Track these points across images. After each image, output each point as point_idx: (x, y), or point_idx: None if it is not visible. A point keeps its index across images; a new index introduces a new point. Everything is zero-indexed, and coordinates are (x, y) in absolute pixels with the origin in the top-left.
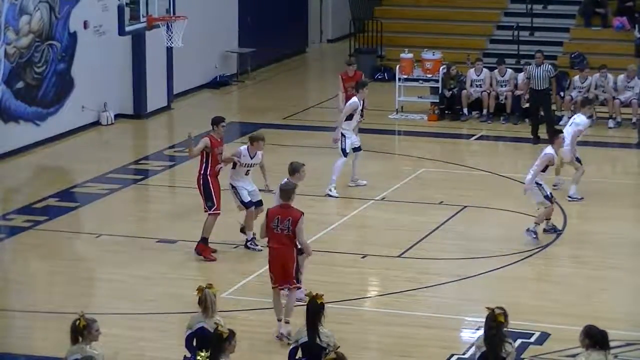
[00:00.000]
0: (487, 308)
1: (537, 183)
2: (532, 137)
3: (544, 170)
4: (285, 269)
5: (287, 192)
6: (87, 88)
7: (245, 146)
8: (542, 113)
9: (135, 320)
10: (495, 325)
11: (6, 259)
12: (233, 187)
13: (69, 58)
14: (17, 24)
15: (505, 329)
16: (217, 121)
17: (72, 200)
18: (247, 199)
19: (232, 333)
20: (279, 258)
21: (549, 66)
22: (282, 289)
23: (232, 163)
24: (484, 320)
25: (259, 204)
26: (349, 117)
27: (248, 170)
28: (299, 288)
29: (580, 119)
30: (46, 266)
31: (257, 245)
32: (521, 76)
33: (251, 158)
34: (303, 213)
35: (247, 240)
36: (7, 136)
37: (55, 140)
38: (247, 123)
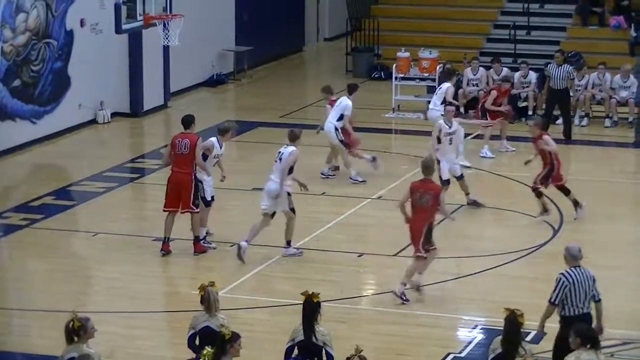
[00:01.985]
0: (506, 309)
1: None
2: None
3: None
4: (414, 236)
5: (427, 167)
6: (83, 86)
7: (215, 138)
8: (555, 113)
9: (131, 318)
10: (515, 327)
11: (3, 257)
12: (199, 181)
13: (66, 56)
14: (13, 22)
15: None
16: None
17: (68, 199)
18: (209, 195)
19: (235, 335)
20: (415, 226)
21: (569, 67)
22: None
23: (202, 155)
24: (480, 318)
25: (213, 199)
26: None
27: (216, 162)
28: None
29: None
30: (43, 264)
31: (210, 244)
32: (516, 76)
33: (220, 148)
34: (441, 187)
35: (199, 238)
36: (4, 134)
37: (52, 139)
38: (243, 121)
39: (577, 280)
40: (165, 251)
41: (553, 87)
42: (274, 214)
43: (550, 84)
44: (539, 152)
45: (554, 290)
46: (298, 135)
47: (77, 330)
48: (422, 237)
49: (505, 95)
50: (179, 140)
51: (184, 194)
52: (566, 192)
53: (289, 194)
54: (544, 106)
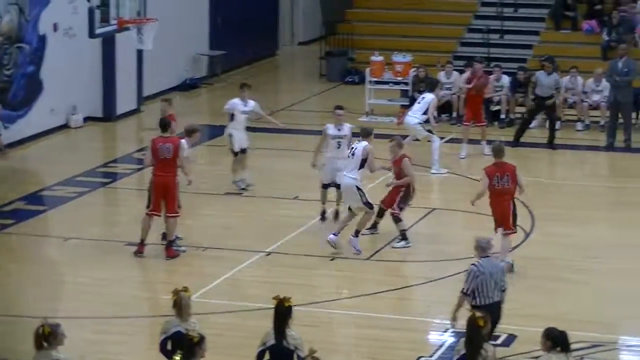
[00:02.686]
0: (469, 311)
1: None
2: (513, 139)
3: None
4: (504, 216)
5: (500, 150)
6: (56, 91)
7: (184, 140)
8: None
9: (103, 324)
10: (476, 329)
11: None
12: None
13: (38, 60)
14: None
15: (485, 332)
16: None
17: (40, 204)
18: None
19: (202, 338)
20: (501, 207)
21: (557, 75)
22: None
23: None
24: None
25: None
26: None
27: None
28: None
29: None
30: (14, 270)
31: (180, 247)
32: (490, 79)
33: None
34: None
35: (172, 243)
36: None
37: (24, 143)
38: (216, 126)
39: (488, 270)
40: (140, 253)
41: (540, 95)
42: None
43: (537, 91)
44: (397, 173)
45: (466, 281)
46: (370, 132)
47: (47, 336)
48: (512, 215)
49: (480, 80)
50: (160, 145)
51: (169, 198)
52: (382, 215)
53: (358, 188)
54: (517, 110)
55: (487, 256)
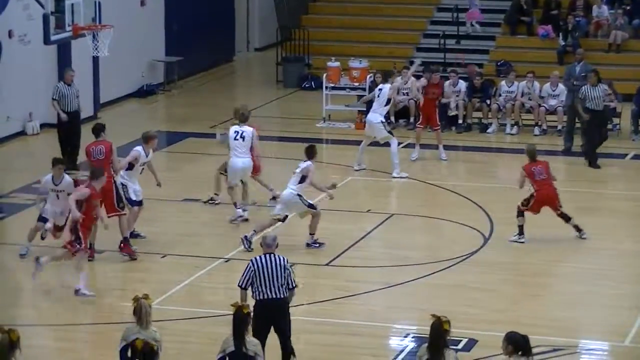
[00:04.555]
0: (433, 316)
1: None
2: (589, 160)
3: None
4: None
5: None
6: (12, 98)
7: (141, 146)
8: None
9: (62, 331)
10: (440, 333)
11: None
12: (124, 185)
13: None
14: None
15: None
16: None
17: None
18: (134, 197)
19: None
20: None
21: (604, 86)
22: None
23: (128, 164)
24: (411, 327)
25: (141, 203)
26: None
27: (143, 169)
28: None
29: None
30: None
31: (134, 247)
32: (446, 85)
33: (147, 156)
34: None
35: (127, 240)
36: None
37: None
38: (173, 132)
39: (264, 266)
40: (91, 257)
41: (591, 108)
42: None
43: (588, 105)
44: None
45: (242, 274)
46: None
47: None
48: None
49: (436, 88)
50: (92, 148)
51: (106, 200)
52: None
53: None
54: (473, 115)
55: (271, 253)
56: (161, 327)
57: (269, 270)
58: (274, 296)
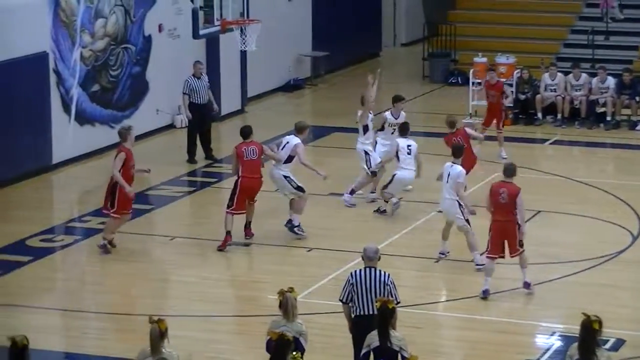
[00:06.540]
0: (583, 314)
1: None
2: None
3: None
4: None
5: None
6: (161, 91)
7: (297, 138)
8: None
9: (209, 322)
10: (591, 332)
11: (81, 261)
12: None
13: (144, 61)
14: (92, 27)
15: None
16: None
17: (146, 203)
18: (301, 184)
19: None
20: None
21: None
22: None
23: (288, 157)
24: (558, 325)
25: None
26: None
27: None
28: None
29: None
30: (122, 268)
31: (304, 232)
32: (594, 81)
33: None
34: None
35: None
36: (83, 139)
37: None
38: (320, 126)
39: (363, 280)
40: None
41: None
42: None
43: None
44: None
45: (342, 288)
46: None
47: (164, 332)
48: None
49: (496, 89)
50: (245, 148)
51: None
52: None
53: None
54: (622, 112)
55: (372, 267)
56: (307, 321)
57: (367, 285)
58: (370, 313)
